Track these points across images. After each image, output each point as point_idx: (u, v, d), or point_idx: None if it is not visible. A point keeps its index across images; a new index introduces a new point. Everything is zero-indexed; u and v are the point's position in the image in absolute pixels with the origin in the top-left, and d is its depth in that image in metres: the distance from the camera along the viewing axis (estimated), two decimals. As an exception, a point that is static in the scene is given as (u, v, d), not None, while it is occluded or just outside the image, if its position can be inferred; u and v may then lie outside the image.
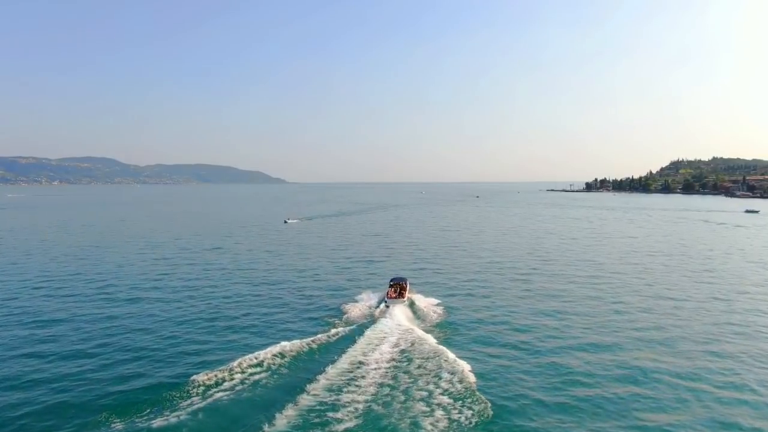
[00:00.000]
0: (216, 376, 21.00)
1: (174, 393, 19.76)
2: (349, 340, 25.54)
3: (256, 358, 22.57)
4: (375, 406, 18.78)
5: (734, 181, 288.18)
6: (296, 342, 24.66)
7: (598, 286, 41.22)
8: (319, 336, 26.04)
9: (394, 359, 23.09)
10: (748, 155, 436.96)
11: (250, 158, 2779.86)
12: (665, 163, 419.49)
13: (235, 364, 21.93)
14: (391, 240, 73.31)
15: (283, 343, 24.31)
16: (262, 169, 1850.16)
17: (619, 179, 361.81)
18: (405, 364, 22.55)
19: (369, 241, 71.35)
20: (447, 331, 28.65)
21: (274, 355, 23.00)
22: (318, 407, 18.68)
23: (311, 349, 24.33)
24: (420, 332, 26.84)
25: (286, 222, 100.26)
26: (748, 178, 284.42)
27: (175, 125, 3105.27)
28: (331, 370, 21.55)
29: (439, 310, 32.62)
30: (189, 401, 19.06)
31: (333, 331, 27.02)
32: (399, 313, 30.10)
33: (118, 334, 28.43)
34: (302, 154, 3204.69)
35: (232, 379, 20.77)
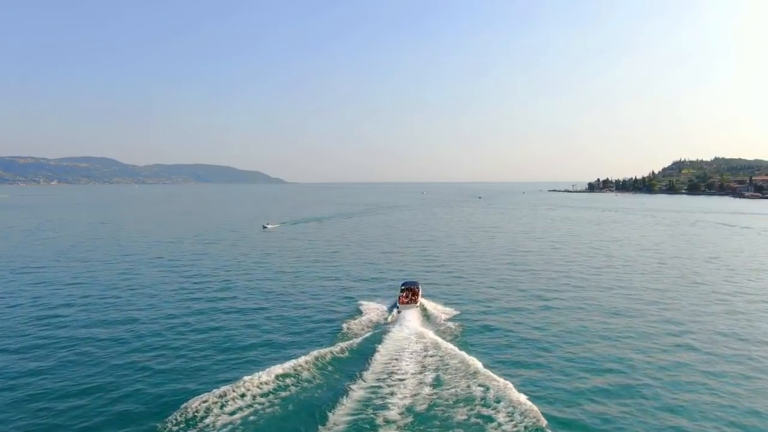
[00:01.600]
0: (217, 399, 18.83)
1: (170, 420, 17.71)
2: (365, 351, 24.05)
3: (261, 378, 20.56)
4: (411, 421, 17.65)
5: (740, 182, 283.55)
6: (305, 357, 22.73)
7: (625, 293, 38.36)
8: (331, 348, 24.20)
9: (418, 370, 21.83)
10: (748, 155, 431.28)
11: (249, 158, 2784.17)
12: (666, 163, 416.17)
13: (238, 385, 19.76)
14: (395, 244, 68.39)
15: (292, 360, 22.42)
16: (262, 169, 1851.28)
17: (621, 179, 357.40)
18: (431, 375, 21.33)
19: (370, 246, 66.28)
20: (465, 337, 27.42)
21: (284, 373, 21.15)
22: (346, 426, 17.30)
23: (324, 363, 22.56)
24: (439, 339, 25.69)
25: (265, 227, 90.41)
26: (754, 178, 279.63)
27: (174, 125, 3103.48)
28: (354, 385, 20.23)
29: (452, 315, 31.42)
30: (190, 428, 17.30)
31: (344, 343, 25.18)
32: (413, 319, 28.94)
33: (103, 356, 24.93)
34: (302, 154, 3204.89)
35: (237, 403, 18.69)
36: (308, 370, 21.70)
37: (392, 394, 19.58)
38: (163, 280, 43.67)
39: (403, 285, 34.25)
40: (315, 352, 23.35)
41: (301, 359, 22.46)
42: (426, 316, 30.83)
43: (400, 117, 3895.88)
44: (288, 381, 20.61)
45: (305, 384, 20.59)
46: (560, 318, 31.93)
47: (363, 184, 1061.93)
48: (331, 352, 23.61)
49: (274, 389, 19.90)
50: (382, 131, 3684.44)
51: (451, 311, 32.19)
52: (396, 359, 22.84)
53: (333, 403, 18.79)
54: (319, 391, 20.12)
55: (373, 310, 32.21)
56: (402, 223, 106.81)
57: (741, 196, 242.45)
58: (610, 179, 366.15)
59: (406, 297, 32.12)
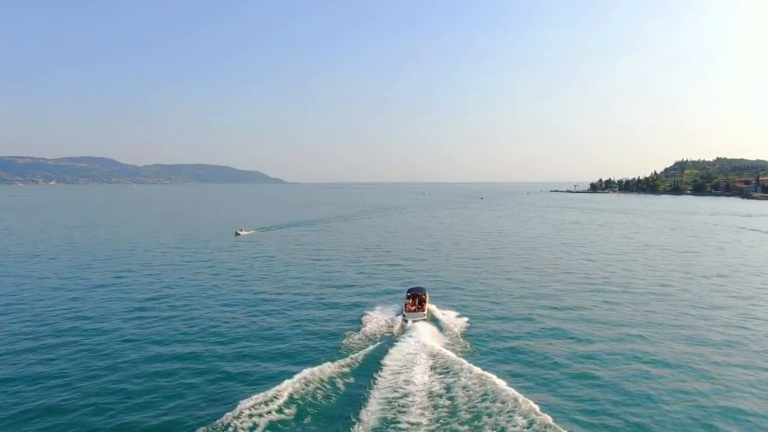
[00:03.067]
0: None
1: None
2: (371, 364, 22.44)
3: (260, 399, 18.70)
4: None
5: (746, 182, 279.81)
6: (305, 374, 20.82)
7: (651, 305, 35.26)
8: (332, 364, 22.34)
9: (428, 383, 20.45)
10: (749, 155, 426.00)
11: (249, 158, 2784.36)
12: (668, 163, 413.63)
13: (236, 411, 17.85)
14: (396, 248, 63.98)
15: (289, 380, 20.41)
16: (261, 169, 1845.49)
17: (624, 180, 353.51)
18: (442, 388, 20.08)
19: (370, 251, 61.81)
20: (476, 347, 25.90)
21: (282, 394, 19.20)
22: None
23: (325, 380, 20.78)
24: (449, 349, 24.34)
25: (237, 234, 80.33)
26: (761, 179, 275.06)
27: (173, 125, 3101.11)
28: (359, 402, 18.86)
29: (462, 323, 29.88)
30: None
31: (347, 356, 23.35)
32: (420, 328, 27.35)
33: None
34: (302, 154, 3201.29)
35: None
36: (309, 387, 20.10)
37: (401, 408, 18.50)
38: (120, 298, 38.40)
39: (408, 291, 32.54)
40: (316, 368, 21.60)
41: (300, 377, 20.65)
42: (434, 324, 29.33)
43: (400, 116, 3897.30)
44: (289, 401, 18.90)
45: (307, 402, 19.11)
46: (576, 327, 29.99)
47: (363, 184, 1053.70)
48: (333, 368, 21.90)
49: (271, 413, 18.03)
50: (381, 131, 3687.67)
51: (460, 319, 30.70)
52: (405, 372, 21.50)
53: (337, 422, 17.87)
54: (321, 409, 18.92)
55: (377, 319, 30.40)
56: (403, 225, 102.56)
57: (749, 197, 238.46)
58: (612, 179, 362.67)
59: (413, 304, 30.52)
